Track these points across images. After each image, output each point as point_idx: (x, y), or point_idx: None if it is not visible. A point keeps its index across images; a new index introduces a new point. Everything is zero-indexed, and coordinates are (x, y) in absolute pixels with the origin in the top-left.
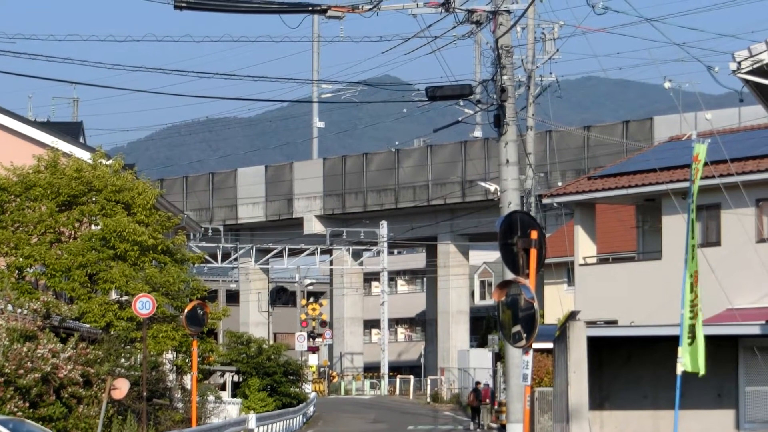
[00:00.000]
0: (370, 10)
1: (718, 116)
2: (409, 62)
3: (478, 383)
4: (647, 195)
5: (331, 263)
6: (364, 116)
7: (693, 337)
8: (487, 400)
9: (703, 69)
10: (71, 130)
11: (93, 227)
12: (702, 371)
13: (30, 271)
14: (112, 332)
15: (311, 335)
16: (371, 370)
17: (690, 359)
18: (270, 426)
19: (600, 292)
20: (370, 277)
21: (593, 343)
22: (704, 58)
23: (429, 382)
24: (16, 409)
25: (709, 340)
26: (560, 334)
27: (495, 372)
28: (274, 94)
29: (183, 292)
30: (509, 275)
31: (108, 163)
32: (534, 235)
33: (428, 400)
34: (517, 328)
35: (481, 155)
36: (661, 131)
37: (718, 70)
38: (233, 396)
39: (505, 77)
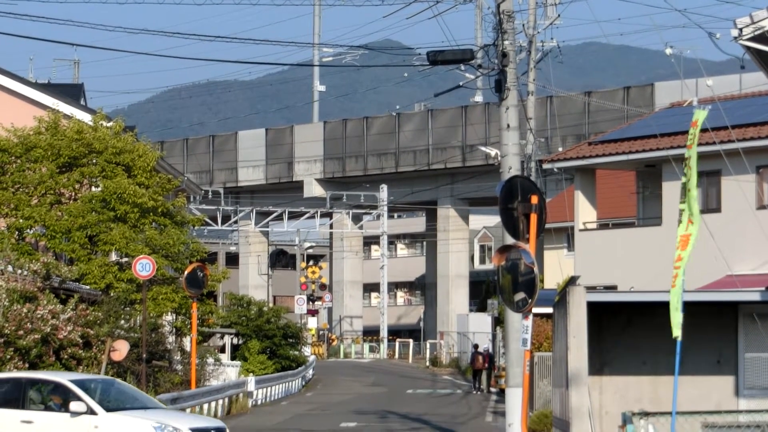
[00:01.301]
0: None
1: (719, 83)
2: (411, 26)
3: (476, 346)
4: (648, 161)
5: (331, 227)
6: (365, 80)
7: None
8: (486, 365)
9: (705, 35)
10: (72, 92)
11: (93, 189)
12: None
13: (30, 233)
14: (111, 294)
15: (311, 298)
16: (370, 333)
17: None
18: (269, 389)
19: (600, 258)
20: (369, 241)
21: (593, 308)
22: (705, 24)
23: (428, 346)
24: (15, 369)
25: (709, 306)
26: (560, 299)
27: (494, 336)
28: (275, 57)
29: (183, 254)
30: (509, 240)
31: (109, 125)
32: (534, 200)
33: (427, 364)
34: (518, 293)
35: (481, 120)
36: (661, 97)
37: (720, 36)
38: (233, 358)
39: (506, 42)
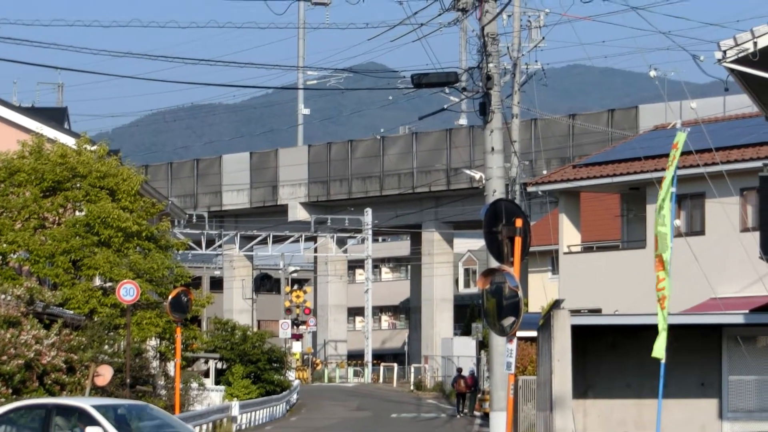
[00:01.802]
0: None
1: (703, 105)
2: (395, 49)
3: (460, 370)
4: (632, 183)
5: (316, 250)
6: (350, 103)
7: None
8: (472, 387)
9: (689, 58)
10: (56, 116)
11: (77, 213)
12: (656, 355)
13: (14, 257)
14: (95, 319)
15: (295, 322)
16: (355, 357)
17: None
18: (253, 413)
19: (584, 281)
20: (354, 265)
21: (577, 331)
22: (689, 46)
23: (413, 370)
24: None
25: (693, 329)
26: (544, 322)
27: (479, 360)
28: (259, 80)
29: (167, 279)
30: (494, 263)
31: (93, 148)
32: (519, 223)
33: (412, 388)
34: (502, 316)
35: (466, 143)
36: (646, 120)
37: (704, 59)
38: (217, 383)
39: (490, 65)
